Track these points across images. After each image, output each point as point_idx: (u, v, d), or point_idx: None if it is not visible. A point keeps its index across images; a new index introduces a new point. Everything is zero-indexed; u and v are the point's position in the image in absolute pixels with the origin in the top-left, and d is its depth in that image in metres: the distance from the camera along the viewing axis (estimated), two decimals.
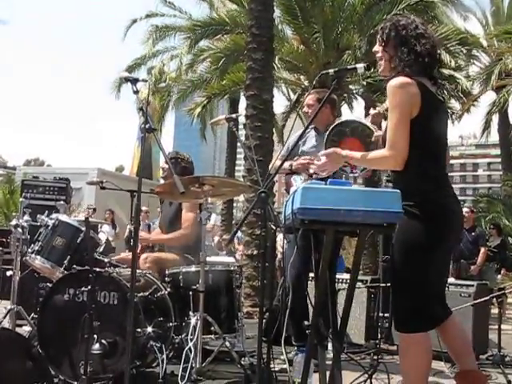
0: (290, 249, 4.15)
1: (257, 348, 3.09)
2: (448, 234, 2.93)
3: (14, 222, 4.91)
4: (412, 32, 2.99)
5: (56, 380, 3.88)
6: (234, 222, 18.06)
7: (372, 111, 3.66)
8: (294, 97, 18.24)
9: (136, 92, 3.41)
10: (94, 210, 11.39)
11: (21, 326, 5.11)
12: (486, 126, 20.65)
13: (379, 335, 5.64)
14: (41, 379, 3.45)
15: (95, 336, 3.75)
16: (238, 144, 19.60)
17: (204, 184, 4.14)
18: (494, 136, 21.74)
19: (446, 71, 13.68)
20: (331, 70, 3.16)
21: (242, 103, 17.85)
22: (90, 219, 4.40)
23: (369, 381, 3.23)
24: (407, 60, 2.96)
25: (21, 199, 6.18)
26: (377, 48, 3.11)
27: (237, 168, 20.85)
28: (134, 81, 3.42)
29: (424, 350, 2.89)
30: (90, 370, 3.66)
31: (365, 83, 14.44)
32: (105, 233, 11.60)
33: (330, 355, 3.34)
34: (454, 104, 16.21)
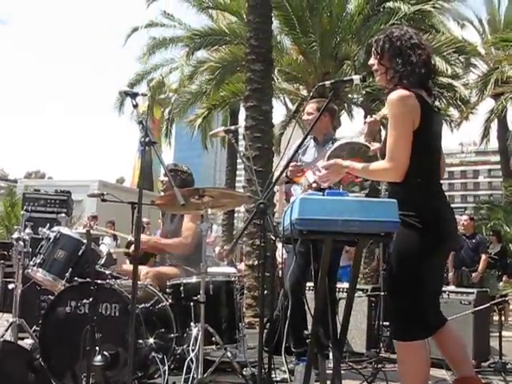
0: (290, 259, 4.18)
1: (258, 358, 3.12)
2: (443, 242, 2.96)
3: (15, 235, 4.94)
4: (406, 43, 3.03)
5: None
6: (234, 232, 18.09)
7: (368, 119, 3.70)
8: (292, 107, 18.33)
9: (135, 106, 3.44)
10: (95, 217, 11.40)
11: (22, 338, 5.13)
12: (486, 133, 20.72)
13: (380, 344, 5.65)
14: None
15: (97, 348, 3.77)
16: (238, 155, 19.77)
17: (204, 196, 4.16)
18: (494, 143, 21.82)
19: (444, 79, 13.74)
20: (328, 82, 3.20)
21: (242, 114, 17.94)
22: (92, 231, 4.41)
23: None
24: (403, 71, 2.99)
25: (22, 212, 6.20)
26: (372, 61, 3.15)
27: (237, 179, 20.90)
28: (134, 95, 3.44)
29: (422, 358, 2.91)
30: (92, 382, 3.68)
31: (364, 92, 14.49)
32: (106, 245, 11.59)
33: (332, 365, 3.35)
34: (453, 112, 16.27)
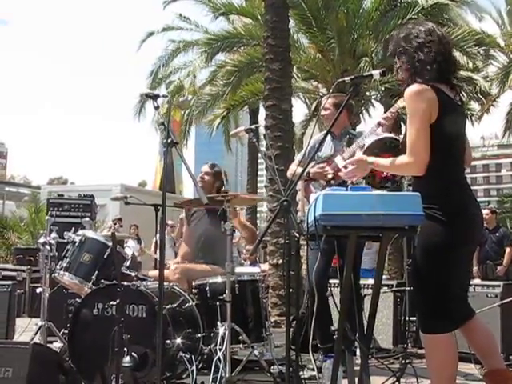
0: (314, 255, 4.18)
1: (285, 356, 3.12)
2: (469, 235, 2.96)
3: (41, 240, 5.01)
4: (412, 42, 3.04)
5: None
6: (258, 232, 18.08)
7: (383, 115, 3.71)
8: (312, 105, 18.29)
9: (157, 108, 3.46)
10: (120, 219, 11.50)
11: (51, 342, 5.19)
12: (507, 125, 20.45)
13: (407, 339, 5.62)
14: None
15: (125, 349, 3.80)
16: (259, 154, 19.82)
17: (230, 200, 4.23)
18: None
19: (463, 73, 13.59)
20: (347, 78, 3.22)
21: (262, 114, 17.98)
22: (117, 234, 4.45)
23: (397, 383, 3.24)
24: (413, 70, 3.00)
25: (47, 217, 6.29)
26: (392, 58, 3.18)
27: (259, 179, 20.95)
28: (155, 97, 3.46)
29: (449, 350, 2.91)
30: (121, 383, 3.71)
31: (383, 88, 14.41)
32: (130, 248, 11.70)
33: (359, 361, 3.35)
34: (474, 105, 16.11)
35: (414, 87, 2.93)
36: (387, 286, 5.96)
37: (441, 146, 2.91)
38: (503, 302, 5.24)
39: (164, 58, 17.94)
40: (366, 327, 3.21)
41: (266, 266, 10.14)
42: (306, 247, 5.45)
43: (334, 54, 13.98)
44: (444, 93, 2.97)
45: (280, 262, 8.49)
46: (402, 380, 3.33)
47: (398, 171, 3.24)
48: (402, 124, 13.56)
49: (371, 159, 3.09)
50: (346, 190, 2.74)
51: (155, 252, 8.42)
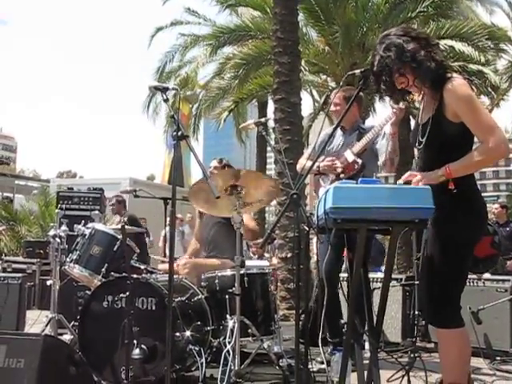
0: (323, 249, 4.18)
1: (295, 349, 3.13)
2: (484, 229, 3.00)
3: (51, 233, 5.03)
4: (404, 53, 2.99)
5: None
6: (266, 226, 18.09)
7: (396, 107, 3.68)
8: (319, 98, 18.26)
9: (166, 100, 3.45)
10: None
11: (61, 334, 5.22)
12: None
13: (416, 333, 5.61)
14: None
15: (135, 341, 3.82)
16: (268, 148, 19.81)
17: (237, 187, 4.20)
18: None
19: (473, 66, 13.52)
20: (357, 71, 3.20)
21: (271, 107, 17.96)
22: (126, 227, 4.47)
23: (406, 377, 3.23)
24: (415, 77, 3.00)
25: (57, 210, 6.32)
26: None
27: (267, 173, 20.93)
28: (164, 89, 3.44)
29: (466, 344, 2.95)
30: (131, 375, 3.73)
31: None
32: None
33: (368, 354, 3.35)
34: (484, 99, 16.01)
35: (456, 79, 2.91)
36: (396, 279, 5.95)
37: (470, 141, 2.93)
38: None
39: (171, 52, 17.95)
40: (375, 321, 3.20)
41: (274, 261, 10.15)
42: (314, 241, 5.46)
43: (343, 48, 13.92)
44: None
45: (289, 255, 8.49)
46: (410, 374, 3.32)
47: (484, 164, 3.00)
48: (410, 118, 13.55)
49: (441, 171, 2.88)
50: (356, 183, 2.73)
51: (164, 245, 8.43)
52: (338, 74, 14.24)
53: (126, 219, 7.74)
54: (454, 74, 2.96)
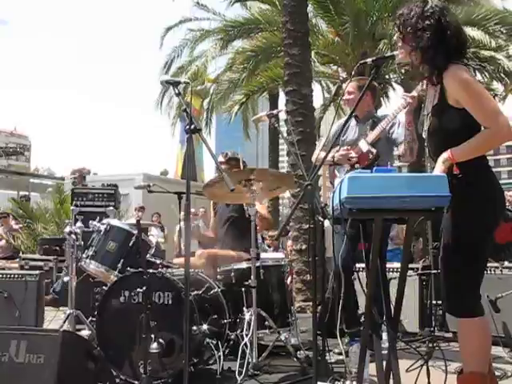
0: (339, 240, 4.17)
1: (313, 340, 3.12)
2: (500, 216, 2.97)
3: (67, 229, 5.06)
4: (423, 23, 2.97)
5: (118, 380, 3.98)
6: (280, 219, 18.08)
7: (408, 95, 3.66)
8: (330, 89, 18.20)
9: (178, 94, 3.44)
10: (142, 208, 11.55)
11: (79, 330, 5.25)
12: None
13: (433, 322, 5.58)
14: (104, 379, 3.56)
15: (152, 336, 3.83)
16: (280, 140, 19.79)
17: (252, 182, 4.19)
18: None
19: (485, 52, 13.42)
20: (369, 59, 3.17)
21: (282, 99, 17.91)
22: (141, 222, 4.48)
23: (425, 367, 3.22)
24: (425, 54, 2.96)
25: (72, 207, 6.34)
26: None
27: (280, 165, 20.92)
28: (176, 83, 3.44)
29: (487, 333, 2.93)
30: (149, 369, 3.74)
31: (403, 71, 14.24)
32: (154, 236, 11.77)
33: (385, 345, 3.34)
34: (497, 86, 15.87)
35: (455, 65, 2.88)
36: (412, 269, 5.91)
37: (478, 126, 2.89)
38: None
39: (180, 47, 17.93)
40: (392, 311, 3.18)
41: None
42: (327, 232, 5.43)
43: (353, 38, 13.84)
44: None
45: (304, 247, 8.48)
46: (429, 363, 3.30)
47: (489, 147, 3.01)
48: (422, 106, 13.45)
49: (445, 155, 2.87)
50: (371, 172, 2.71)
51: (179, 240, 8.45)
52: (349, 65, 14.18)
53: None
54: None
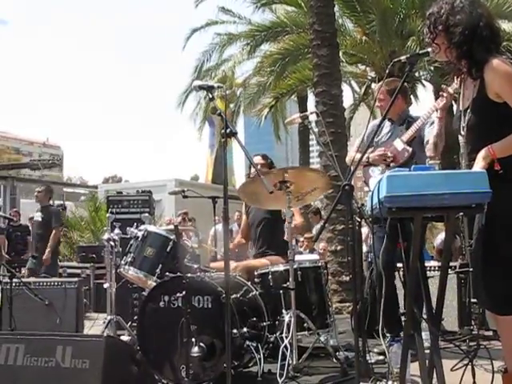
0: (378, 240, 4.15)
1: (354, 341, 3.11)
2: None
3: (105, 237, 5.13)
4: (459, 16, 2.92)
5: None
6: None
7: (445, 93, 3.63)
8: (359, 89, 18.11)
9: (212, 99, 3.47)
10: (186, 213, 11.62)
11: (119, 336, 5.32)
12: None
13: (473, 321, 5.52)
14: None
15: (193, 339, 3.86)
16: (310, 143, 19.74)
17: (287, 185, 4.20)
18: None
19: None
20: (403, 57, 3.14)
21: (311, 101, 17.90)
22: (180, 227, 4.51)
23: (470, 366, 3.19)
24: (467, 46, 2.91)
25: (108, 215, 6.42)
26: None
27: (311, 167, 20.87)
28: (209, 88, 3.46)
29: None
30: (190, 373, 3.77)
31: (432, 68, 14.13)
32: (189, 241, 11.82)
33: (426, 344, 3.31)
34: None
35: (498, 59, 2.83)
36: (450, 267, 5.85)
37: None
38: None
39: (209, 51, 18.00)
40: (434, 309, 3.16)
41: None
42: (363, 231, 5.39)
43: (381, 36, 13.76)
44: None
45: (338, 248, 8.46)
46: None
47: None
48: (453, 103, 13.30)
49: (484, 154, 2.83)
50: (410, 170, 2.69)
51: (213, 244, 8.49)
52: (377, 64, 14.11)
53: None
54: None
